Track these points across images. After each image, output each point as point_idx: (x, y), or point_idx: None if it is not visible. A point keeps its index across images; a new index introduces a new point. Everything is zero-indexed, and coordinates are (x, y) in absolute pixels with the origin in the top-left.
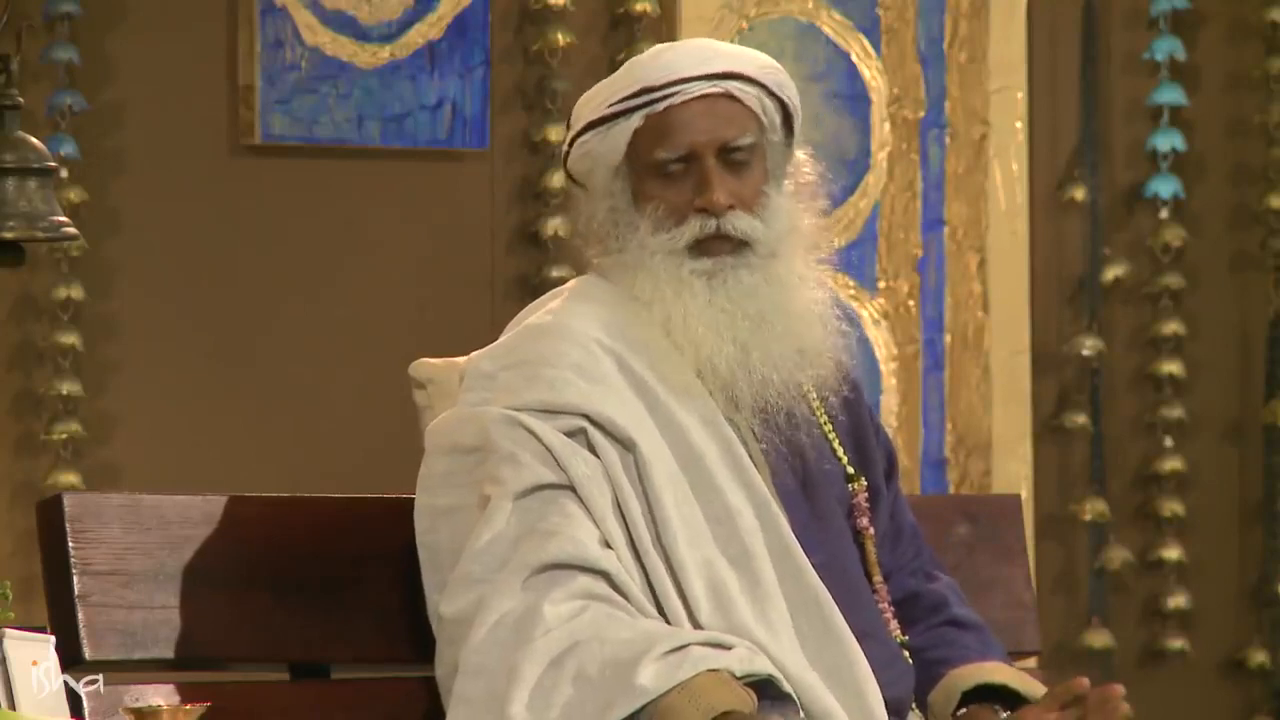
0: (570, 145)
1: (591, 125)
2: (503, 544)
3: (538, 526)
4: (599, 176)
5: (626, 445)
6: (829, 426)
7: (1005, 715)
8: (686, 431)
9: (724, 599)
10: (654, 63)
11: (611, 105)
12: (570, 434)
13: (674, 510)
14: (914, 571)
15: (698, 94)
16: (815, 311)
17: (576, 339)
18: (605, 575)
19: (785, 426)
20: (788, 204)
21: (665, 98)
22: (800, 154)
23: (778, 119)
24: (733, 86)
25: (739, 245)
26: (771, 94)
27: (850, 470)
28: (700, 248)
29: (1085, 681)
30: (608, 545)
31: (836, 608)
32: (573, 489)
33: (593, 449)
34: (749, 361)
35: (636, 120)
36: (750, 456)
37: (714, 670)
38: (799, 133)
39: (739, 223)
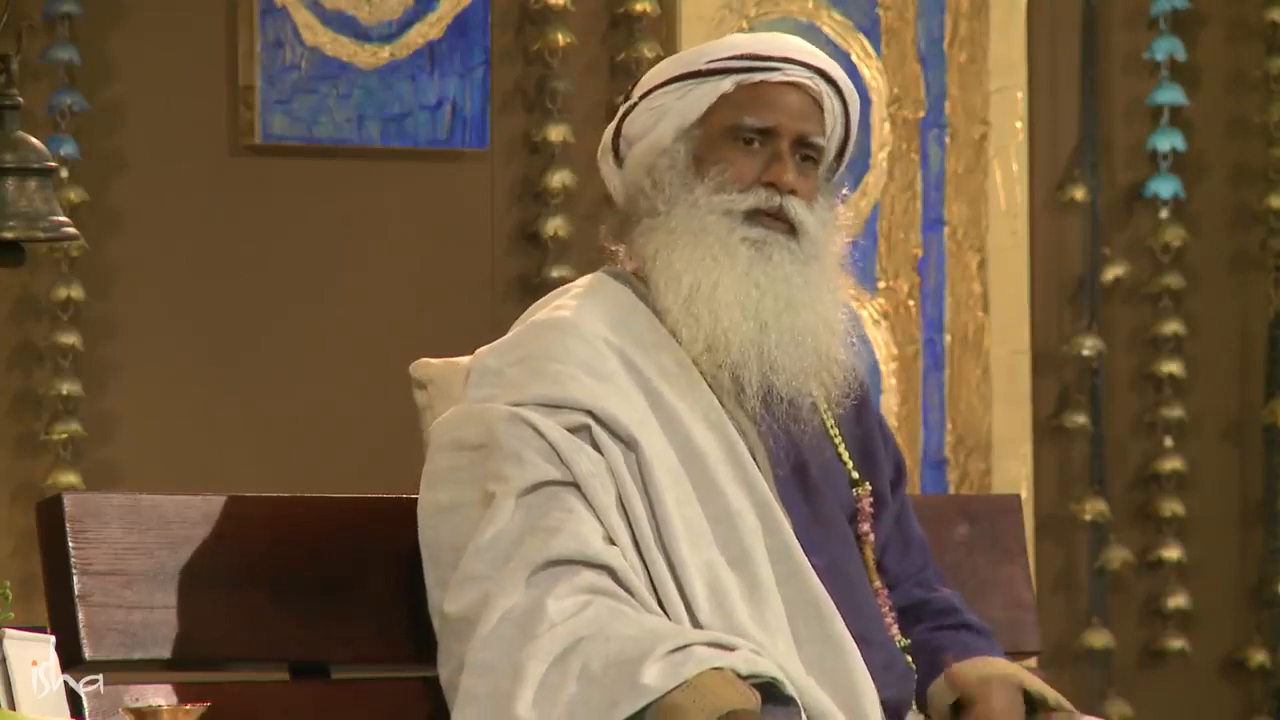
0: (634, 104)
1: (680, 78)
2: (506, 541)
3: (541, 523)
4: (661, 133)
5: (629, 444)
6: (836, 431)
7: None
8: (690, 431)
9: (723, 600)
10: (759, 37)
11: (712, 62)
12: (574, 429)
13: (675, 511)
14: (920, 582)
15: (796, 79)
16: (837, 323)
17: (583, 335)
18: (609, 570)
19: (786, 416)
20: (830, 219)
21: (767, 69)
22: (841, 192)
23: (836, 145)
24: (825, 91)
25: (792, 229)
26: (846, 118)
27: (855, 475)
28: (756, 218)
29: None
30: (611, 541)
31: (836, 611)
32: (576, 485)
33: (596, 446)
34: (765, 342)
35: (728, 84)
36: (754, 457)
37: (718, 669)
38: (843, 170)
39: (799, 208)
